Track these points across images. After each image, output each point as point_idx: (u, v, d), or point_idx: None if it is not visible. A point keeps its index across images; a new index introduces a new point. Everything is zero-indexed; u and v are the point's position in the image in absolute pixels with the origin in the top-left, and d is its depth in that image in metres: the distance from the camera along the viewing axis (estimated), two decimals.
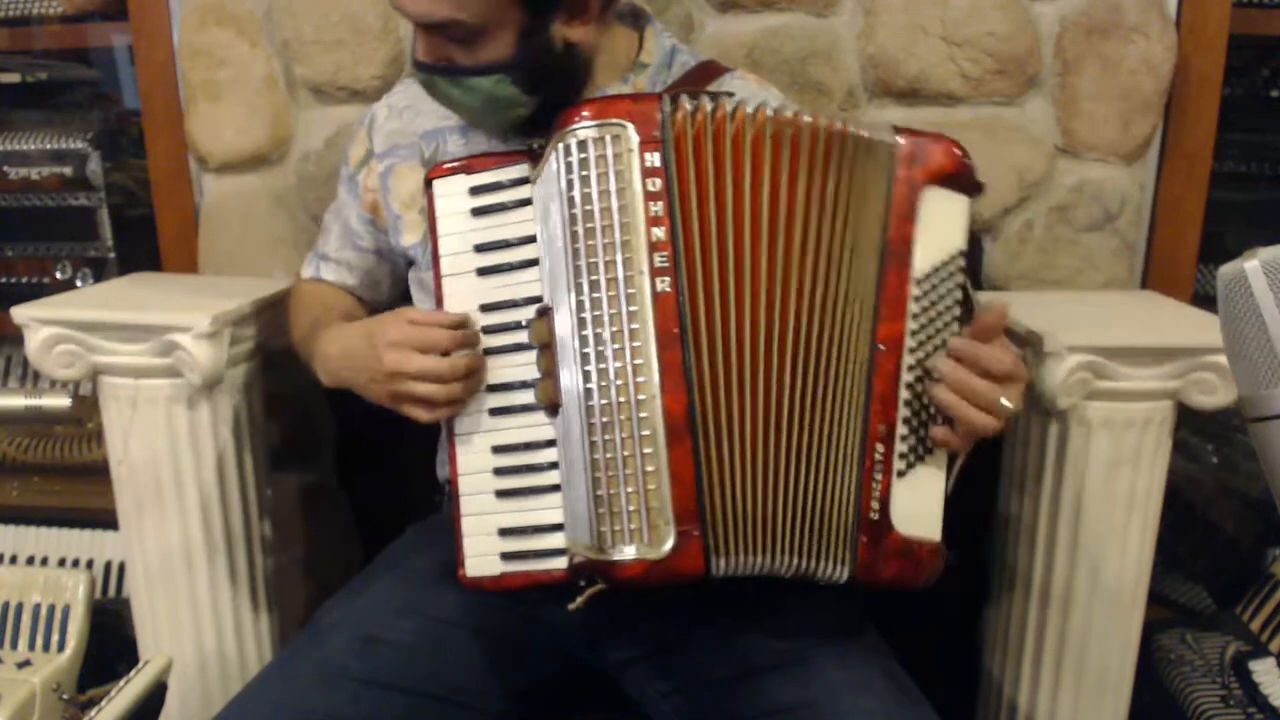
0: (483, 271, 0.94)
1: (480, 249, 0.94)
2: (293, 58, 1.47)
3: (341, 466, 1.67)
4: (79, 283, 1.83)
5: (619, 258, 0.84)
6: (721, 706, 0.95)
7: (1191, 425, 1.77)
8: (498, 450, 0.94)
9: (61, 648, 1.46)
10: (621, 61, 1.07)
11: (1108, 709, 1.30)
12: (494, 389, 0.94)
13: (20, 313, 1.24)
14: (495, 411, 0.94)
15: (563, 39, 0.97)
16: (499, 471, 0.94)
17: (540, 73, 0.97)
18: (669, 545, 0.83)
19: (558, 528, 0.91)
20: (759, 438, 0.86)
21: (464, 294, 0.94)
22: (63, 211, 1.81)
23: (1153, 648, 1.52)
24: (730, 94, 0.89)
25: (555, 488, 0.92)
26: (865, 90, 1.44)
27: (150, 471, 1.28)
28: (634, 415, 0.83)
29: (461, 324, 0.93)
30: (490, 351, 0.94)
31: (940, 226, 0.88)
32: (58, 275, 1.84)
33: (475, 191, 0.94)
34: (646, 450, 0.83)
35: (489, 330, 0.94)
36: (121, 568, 1.80)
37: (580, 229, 0.84)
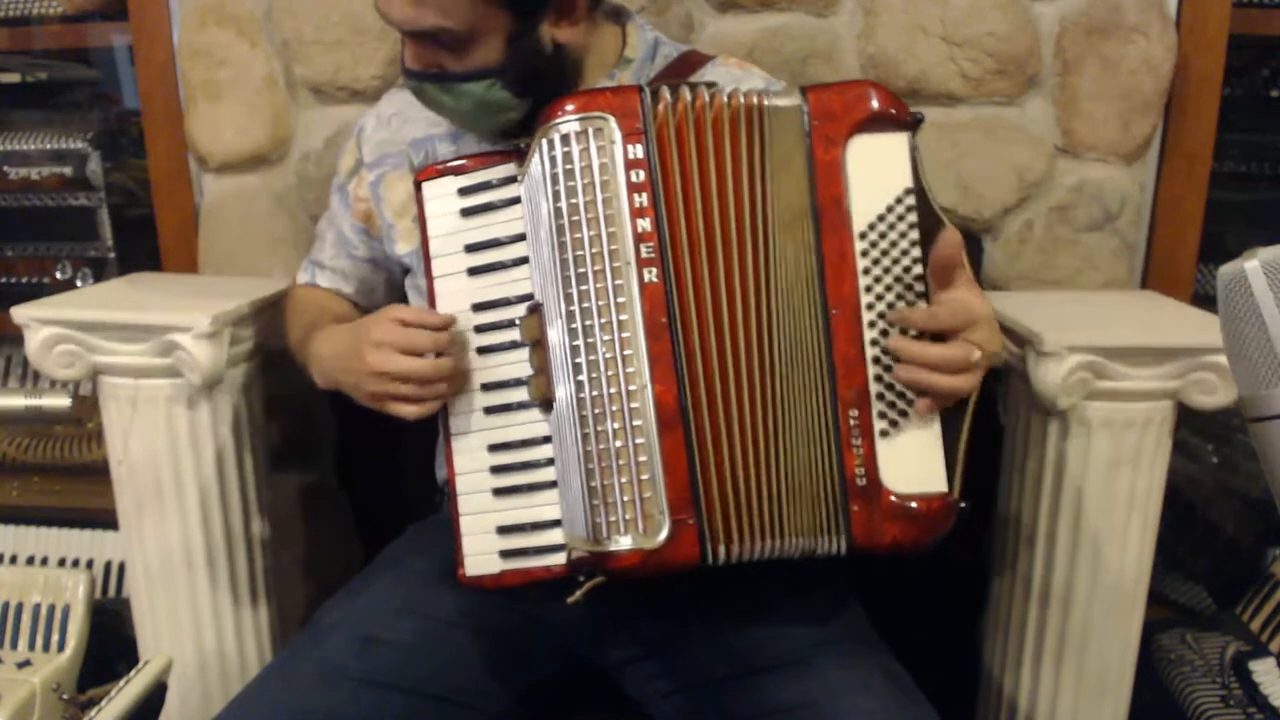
0: (474, 271, 0.94)
1: (471, 249, 0.94)
2: (293, 58, 1.47)
3: (341, 466, 1.67)
4: (79, 283, 1.83)
5: (605, 250, 0.84)
6: (722, 706, 0.95)
7: (1191, 425, 1.77)
8: (494, 449, 0.94)
9: (61, 648, 1.46)
10: (608, 58, 1.07)
11: (1108, 709, 1.30)
12: (488, 388, 0.94)
13: (20, 313, 1.24)
14: (490, 410, 0.94)
15: (551, 40, 0.98)
16: (496, 470, 0.94)
17: (530, 75, 0.98)
18: (664, 534, 0.83)
19: (555, 524, 0.92)
20: (747, 422, 0.86)
21: (456, 294, 0.95)
22: (63, 211, 1.81)
23: (1153, 648, 1.52)
24: (713, 83, 0.89)
25: (552, 484, 0.92)
26: None
27: (150, 471, 1.28)
28: (625, 406, 0.84)
29: (448, 324, 0.93)
30: (484, 350, 0.94)
31: (877, 172, 0.86)
32: (58, 275, 1.84)
33: (464, 192, 0.94)
34: (639, 440, 0.83)
35: (482, 329, 0.94)
36: (121, 568, 1.80)
37: (566, 222, 0.85)
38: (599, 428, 0.84)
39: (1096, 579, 1.24)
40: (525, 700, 1.03)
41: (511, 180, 0.92)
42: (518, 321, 0.92)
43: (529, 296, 0.92)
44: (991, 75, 1.40)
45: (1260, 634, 1.52)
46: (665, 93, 0.86)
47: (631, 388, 0.84)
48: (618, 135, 0.84)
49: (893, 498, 0.86)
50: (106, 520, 1.73)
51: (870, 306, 0.86)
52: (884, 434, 0.86)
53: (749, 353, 0.86)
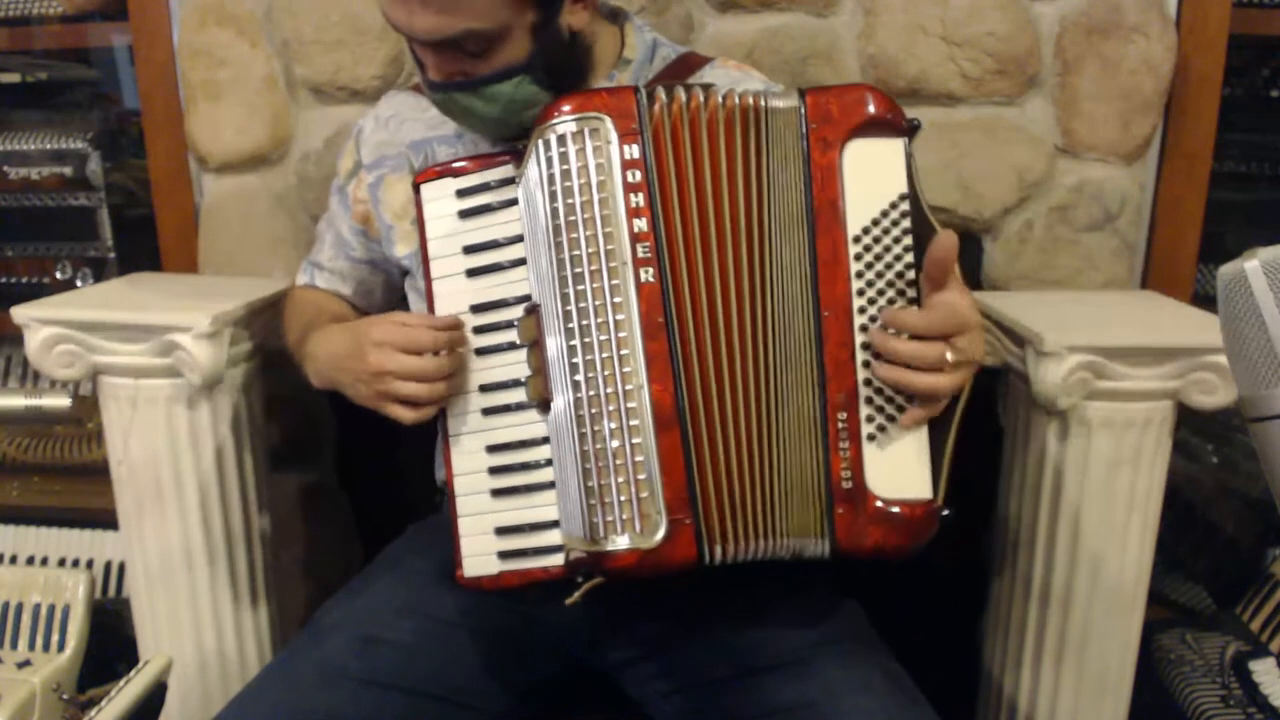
0: (472, 273, 0.94)
1: (469, 250, 0.94)
2: (293, 58, 1.47)
3: (341, 466, 1.67)
4: (79, 283, 1.83)
5: (602, 250, 0.84)
6: (721, 706, 0.95)
7: (1191, 425, 1.77)
8: (492, 449, 0.94)
9: (61, 648, 1.46)
10: (608, 59, 1.07)
11: (1108, 709, 1.30)
12: (487, 389, 0.94)
13: (20, 313, 1.24)
14: (488, 411, 0.94)
15: (568, 27, 0.98)
16: (494, 471, 0.94)
17: (553, 66, 0.98)
18: (661, 534, 0.83)
19: (554, 524, 0.92)
20: (741, 422, 0.86)
21: (455, 295, 0.95)
22: (63, 211, 1.81)
23: (1153, 648, 1.52)
24: (711, 85, 0.89)
25: (551, 485, 0.92)
26: None
27: (150, 471, 1.28)
28: (622, 406, 0.84)
29: (450, 327, 0.93)
30: (482, 351, 0.94)
31: (872, 177, 0.86)
32: (58, 275, 1.84)
33: (462, 194, 0.95)
34: (635, 440, 0.84)
35: (480, 330, 0.94)
36: (121, 568, 1.80)
37: (563, 223, 0.85)
38: (596, 428, 0.84)
39: (1096, 579, 1.24)
40: (525, 700, 1.03)
41: (510, 182, 0.93)
42: (515, 323, 0.93)
43: (527, 298, 0.92)
44: (991, 75, 1.40)
45: (1260, 634, 1.52)
46: (661, 93, 0.86)
47: (628, 387, 0.84)
48: (614, 136, 0.84)
49: (878, 502, 0.86)
50: (106, 520, 1.73)
51: (862, 310, 0.86)
52: (871, 438, 0.87)
53: (744, 353, 0.86)
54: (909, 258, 0.86)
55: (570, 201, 0.84)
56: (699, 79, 1.07)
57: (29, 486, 1.88)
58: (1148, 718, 1.42)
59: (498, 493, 0.94)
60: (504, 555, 0.94)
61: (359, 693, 0.94)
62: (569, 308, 0.85)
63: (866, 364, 0.86)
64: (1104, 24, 1.39)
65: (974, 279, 1.50)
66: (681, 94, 0.86)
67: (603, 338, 0.84)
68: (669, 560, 0.84)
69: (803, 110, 0.87)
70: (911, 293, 0.86)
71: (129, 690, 1.06)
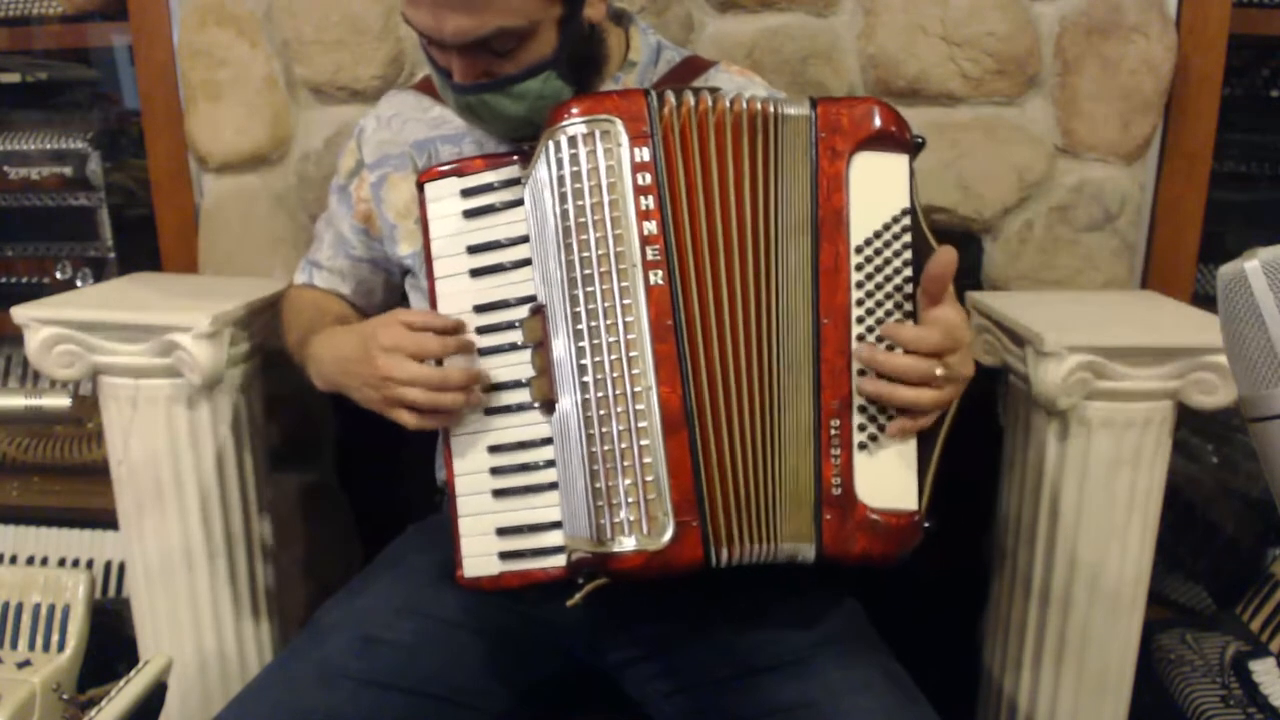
0: (476, 273, 0.94)
1: (473, 250, 0.94)
2: (293, 58, 1.47)
3: (341, 466, 1.67)
4: (79, 283, 1.83)
5: (611, 252, 0.84)
6: (722, 706, 0.95)
7: (1191, 425, 1.77)
8: (494, 450, 0.94)
9: (61, 648, 1.46)
10: (615, 59, 1.07)
11: (1108, 709, 1.30)
12: (489, 389, 0.94)
13: (20, 313, 1.24)
14: (490, 411, 0.94)
15: (588, 20, 0.98)
16: (495, 471, 0.94)
17: (576, 60, 0.98)
18: (668, 536, 0.83)
19: (555, 525, 0.92)
20: (746, 425, 0.86)
21: (457, 295, 0.95)
22: (63, 211, 1.81)
23: (1153, 648, 1.52)
24: (717, 89, 0.89)
25: (552, 486, 0.92)
26: (865, 90, 1.44)
27: (150, 471, 1.28)
28: (630, 407, 0.84)
29: (455, 328, 0.93)
30: (484, 352, 0.94)
31: (877, 190, 0.87)
32: (58, 275, 1.84)
33: (467, 193, 0.95)
34: (644, 442, 0.84)
35: (483, 330, 0.94)
36: (121, 568, 1.80)
37: (573, 224, 0.85)
38: (604, 429, 0.84)
39: (1096, 579, 1.24)
40: (525, 700, 1.03)
41: (515, 182, 0.93)
42: (518, 324, 0.93)
43: (531, 298, 0.92)
44: (991, 75, 1.40)
45: (1260, 634, 1.52)
46: (671, 96, 0.86)
47: (637, 389, 0.84)
48: (624, 138, 0.84)
49: (866, 511, 0.87)
50: (106, 520, 1.73)
51: (860, 320, 0.87)
52: (862, 446, 0.87)
53: (748, 356, 0.87)
54: (908, 272, 0.87)
55: (580, 203, 0.84)
56: (704, 83, 1.07)
57: (29, 486, 1.88)
58: (1148, 718, 1.42)
59: (499, 493, 0.94)
60: (505, 556, 0.94)
61: (359, 693, 0.94)
62: (578, 309, 0.85)
63: (862, 373, 0.87)
64: (1104, 24, 1.39)
65: (974, 279, 1.50)
66: (691, 98, 0.87)
67: (611, 339, 0.84)
68: (676, 562, 0.84)
69: (814, 119, 0.87)
70: (908, 306, 0.87)
71: (129, 690, 1.06)
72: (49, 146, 1.78)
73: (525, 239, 0.92)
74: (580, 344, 0.85)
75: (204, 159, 1.55)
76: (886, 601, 1.09)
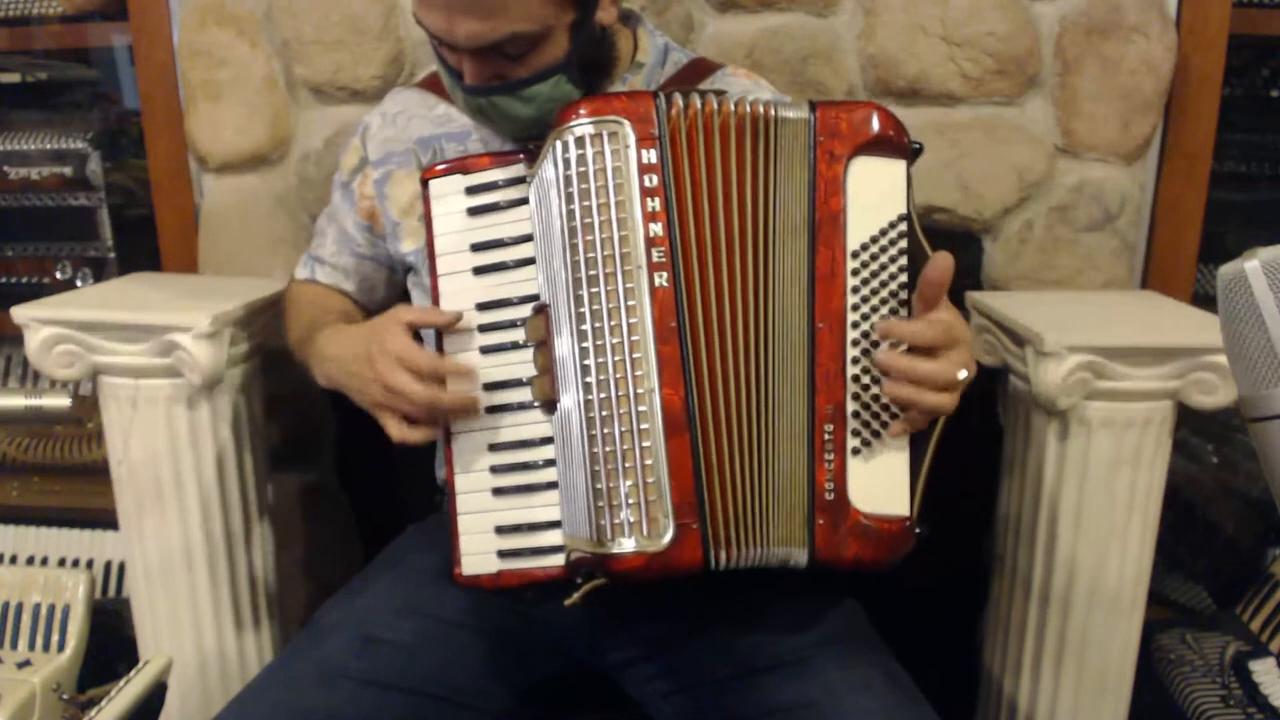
0: (479, 270, 0.94)
1: (476, 248, 0.94)
2: (293, 58, 1.47)
3: (341, 466, 1.67)
4: (79, 283, 1.83)
5: (617, 253, 0.84)
6: (722, 706, 0.95)
7: (1191, 425, 1.77)
8: (494, 448, 0.94)
9: (61, 648, 1.46)
10: (623, 60, 1.07)
11: (1108, 709, 1.30)
12: (490, 387, 0.94)
13: (20, 313, 1.24)
14: (491, 410, 0.94)
15: (599, 24, 0.98)
16: (495, 469, 0.94)
17: (586, 64, 0.98)
18: (668, 537, 0.83)
19: (554, 525, 0.92)
20: (742, 428, 0.86)
21: (460, 293, 0.95)
22: (63, 211, 1.81)
23: (1153, 648, 1.52)
24: (723, 91, 0.89)
25: (551, 485, 0.92)
26: (865, 90, 1.44)
27: (150, 471, 1.28)
28: (633, 409, 0.84)
29: (452, 321, 0.93)
30: (486, 350, 0.94)
31: (875, 195, 0.87)
32: (58, 275, 1.84)
33: (471, 191, 0.95)
34: (645, 444, 0.83)
35: (485, 329, 0.94)
36: (121, 568, 1.80)
37: (579, 224, 0.85)
38: (606, 430, 0.84)
39: (1096, 579, 1.24)
40: (525, 700, 1.03)
41: (520, 181, 0.93)
42: (519, 322, 0.93)
43: (533, 297, 0.92)
44: (991, 75, 1.40)
45: (1260, 634, 1.52)
46: (678, 99, 0.86)
47: (640, 390, 0.84)
48: (632, 139, 0.84)
49: (859, 516, 0.87)
50: (106, 520, 1.73)
51: (855, 325, 0.87)
52: (855, 452, 0.87)
53: (745, 359, 0.87)
54: (903, 278, 0.87)
55: (586, 204, 0.84)
56: (710, 85, 1.07)
57: (29, 486, 1.88)
58: (1148, 718, 1.42)
59: (498, 491, 0.94)
60: (503, 554, 0.94)
61: (359, 693, 0.93)
62: (582, 309, 0.85)
63: (856, 379, 0.87)
64: (1104, 24, 1.39)
65: (974, 279, 1.50)
66: (696, 100, 0.87)
67: (615, 340, 0.84)
68: (676, 564, 0.84)
69: (812, 122, 0.87)
70: (904, 313, 0.88)
71: (129, 690, 1.06)
72: (49, 146, 1.78)
73: (529, 238, 0.92)
74: (584, 344, 0.85)
75: (204, 159, 1.55)
76: (887, 601, 1.09)
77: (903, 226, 0.87)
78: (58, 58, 1.91)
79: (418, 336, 0.95)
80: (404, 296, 1.20)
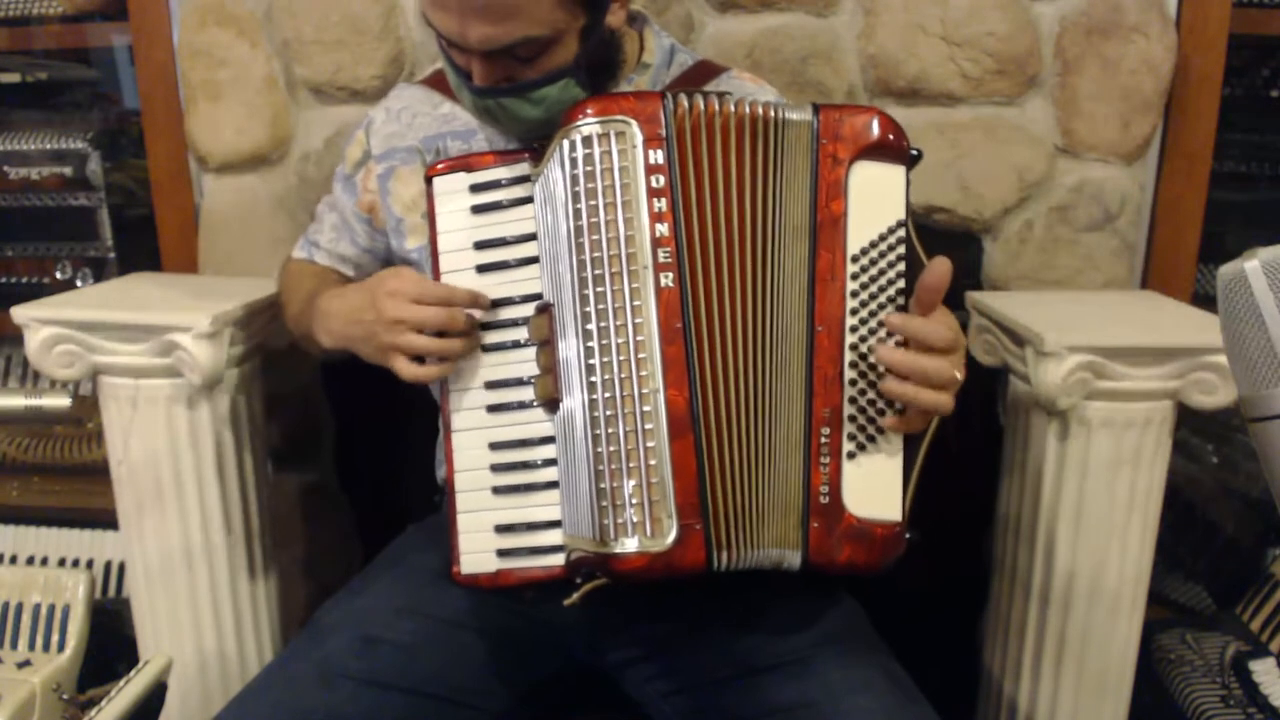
0: (482, 269, 0.95)
1: (480, 246, 0.94)
2: (293, 58, 1.47)
3: (341, 466, 1.67)
4: (79, 283, 1.83)
5: (623, 253, 0.84)
6: (722, 706, 0.95)
7: (1191, 425, 1.77)
8: (495, 447, 0.94)
9: (61, 648, 1.46)
10: (630, 61, 1.07)
11: (1108, 709, 1.30)
12: (492, 385, 0.95)
13: (20, 313, 1.24)
14: (493, 408, 0.95)
15: (608, 27, 0.98)
16: (496, 468, 0.94)
17: (595, 67, 0.98)
18: (671, 538, 0.83)
19: (554, 524, 0.92)
20: (743, 430, 0.87)
21: None
22: (63, 211, 1.81)
23: (1153, 648, 1.52)
24: (728, 93, 0.89)
25: (551, 485, 0.92)
26: (865, 90, 1.44)
27: (150, 471, 1.28)
28: (637, 409, 0.84)
29: (458, 299, 0.93)
30: (488, 349, 0.94)
31: (875, 200, 0.87)
32: (58, 275, 1.84)
33: (475, 189, 0.95)
34: (650, 444, 0.83)
35: (487, 327, 0.94)
36: (121, 568, 1.80)
37: (585, 224, 0.85)
38: (610, 430, 0.84)
39: (1096, 579, 1.24)
40: (525, 700, 1.03)
41: (524, 180, 0.93)
42: (520, 321, 0.93)
43: (536, 296, 0.92)
44: (991, 75, 1.40)
45: (1260, 634, 1.52)
46: (684, 99, 0.86)
47: (644, 391, 0.84)
48: (639, 139, 0.84)
49: (852, 519, 0.87)
50: (106, 520, 1.73)
51: (853, 329, 0.87)
52: (851, 455, 0.88)
53: (746, 361, 0.87)
54: (901, 284, 0.88)
55: (593, 203, 0.84)
56: (715, 87, 1.07)
57: (29, 486, 1.88)
58: (1148, 718, 1.42)
59: (499, 490, 0.94)
60: (503, 553, 0.94)
61: (359, 693, 0.93)
62: (587, 309, 0.85)
63: (853, 382, 0.87)
64: (1104, 24, 1.39)
65: (974, 279, 1.50)
66: (701, 101, 0.87)
67: (620, 341, 0.84)
68: (678, 564, 0.84)
69: (815, 125, 0.87)
70: None
71: (129, 690, 1.06)
72: (49, 146, 1.78)
73: (532, 237, 0.92)
74: (589, 344, 0.85)
75: (204, 159, 1.55)
76: (887, 601, 1.09)
77: (901, 232, 0.88)
78: (58, 58, 1.91)
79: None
80: None
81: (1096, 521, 1.23)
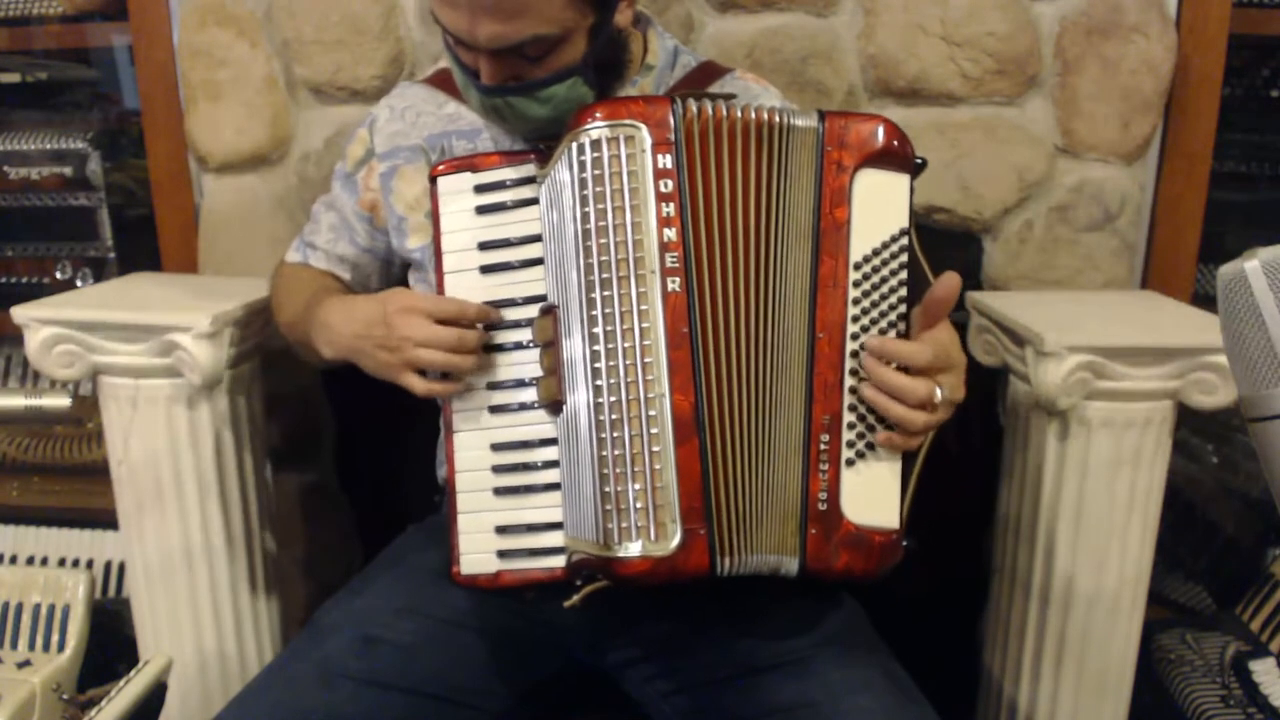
0: (485, 269, 0.95)
1: (484, 247, 0.94)
2: (293, 58, 1.47)
3: (341, 466, 1.67)
4: (79, 283, 1.83)
5: (631, 257, 0.84)
6: (722, 706, 0.95)
7: (1191, 425, 1.77)
8: (496, 448, 0.94)
9: (61, 648, 1.46)
10: (635, 62, 1.07)
11: (1108, 709, 1.30)
12: (494, 387, 0.95)
13: (20, 313, 1.24)
14: (495, 409, 0.95)
15: (616, 26, 0.98)
16: (497, 469, 0.94)
17: (602, 66, 0.98)
18: (675, 542, 0.83)
19: (555, 526, 0.92)
20: (746, 434, 0.87)
21: (466, 291, 0.95)
22: (63, 211, 1.81)
23: (1153, 648, 1.52)
24: (733, 95, 0.89)
25: (552, 486, 0.92)
26: (865, 90, 1.44)
27: (150, 471, 1.28)
28: (643, 413, 0.84)
29: (465, 313, 0.93)
30: (491, 349, 0.94)
31: (879, 207, 0.87)
32: (58, 275, 1.84)
33: (480, 190, 0.95)
34: (655, 448, 0.83)
35: (490, 328, 0.94)
36: (121, 568, 1.80)
37: (593, 227, 0.85)
38: (616, 433, 0.84)
39: (1096, 579, 1.24)
40: (526, 700, 1.03)
41: (529, 180, 0.93)
42: (523, 322, 0.93)
43: (539, 298, 0.92)
44: (991, 75, 1.40)
45: (1260, 634, 1.52)
46: (693, 104, 0.86)
47: (650, 395, 0.84)
48: (648, 143, 0.84)
49: (850, 526, 0.87)
50: (106, 520, 1.73)
51: (855, 337, 0.87)
52: (849, 463, 0.88)
53: (749, 366, 0.87)
54: (902, 292, 0.88)
55: (601, 206, 0.84)
56: (719, 88, 1.07)
57: (29, 486, 1.89)
58: (1148, 718, 1.42)
59: (500, 491, 0.94)
60: (503, 554, 0.94)
61: (359, 693, 0.93)
62: (594, 312, 0.85)
63: (853, 390, 0.87)
64: (1104, 24, 1.39)
65: (974, 279, 1.50)
66: (710, 106, 0.87)
67: (626, 344, 0.84)
68: (682, 569, 0.84)
69: (820, 131, 0.87)
70: (901, 327, 0.88)
71: (129, 690, 1.06)
72: (49, 146, 1.78)
73: (536, 238, 0.93)
74: (595, 347, 0.85)
75: (204, 159, 1.55)
76: (887, 602, 1.09)
77: (904, 240, 0.88)
78: (58, 58, 1.91)
79: None
80: None
81: (1096, 522, 1.23)
